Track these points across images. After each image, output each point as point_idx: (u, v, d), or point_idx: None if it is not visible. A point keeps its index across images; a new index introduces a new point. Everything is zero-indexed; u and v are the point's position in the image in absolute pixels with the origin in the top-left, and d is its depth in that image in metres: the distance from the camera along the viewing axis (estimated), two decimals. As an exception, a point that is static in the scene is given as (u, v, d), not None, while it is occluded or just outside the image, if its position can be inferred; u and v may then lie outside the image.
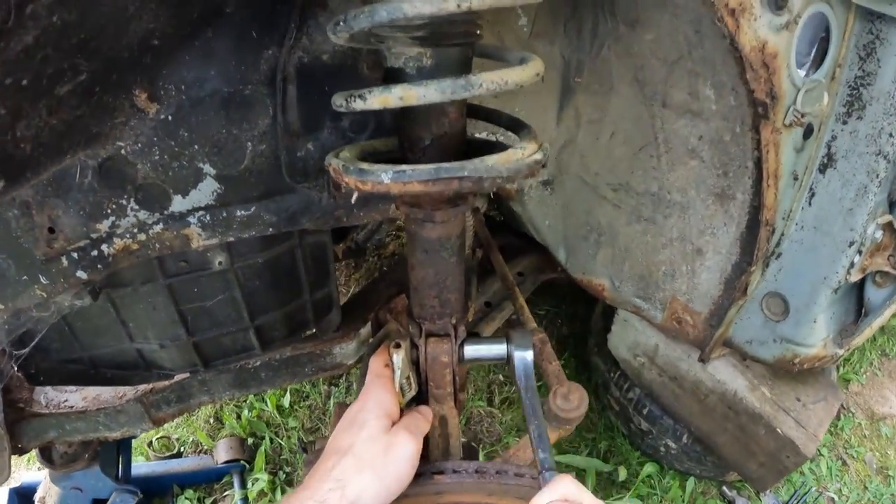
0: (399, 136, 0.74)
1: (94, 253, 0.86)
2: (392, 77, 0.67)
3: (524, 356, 0.85)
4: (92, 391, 1.12)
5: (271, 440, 1.69)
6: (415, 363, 0.86)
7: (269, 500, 1.50)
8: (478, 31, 0.67)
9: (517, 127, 0.74)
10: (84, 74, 0.68)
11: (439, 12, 0.54)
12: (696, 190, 1.04)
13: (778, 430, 1.23)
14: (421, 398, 0.89)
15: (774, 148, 0.91)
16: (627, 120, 1.01)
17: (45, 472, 1.34)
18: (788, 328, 1.12)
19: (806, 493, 1.74)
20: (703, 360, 1.21)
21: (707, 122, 0.95)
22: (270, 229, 0.91)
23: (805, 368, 1.18)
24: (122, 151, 0.79)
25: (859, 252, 1.04)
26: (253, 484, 1.54)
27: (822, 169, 1.01)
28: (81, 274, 0.87)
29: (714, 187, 1.02)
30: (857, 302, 1.19)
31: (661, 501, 1.68)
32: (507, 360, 0.87)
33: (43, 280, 0.86)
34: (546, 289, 1.63)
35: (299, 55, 0.79)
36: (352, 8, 0.59)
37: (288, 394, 1.79)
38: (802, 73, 0.89)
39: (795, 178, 0.99)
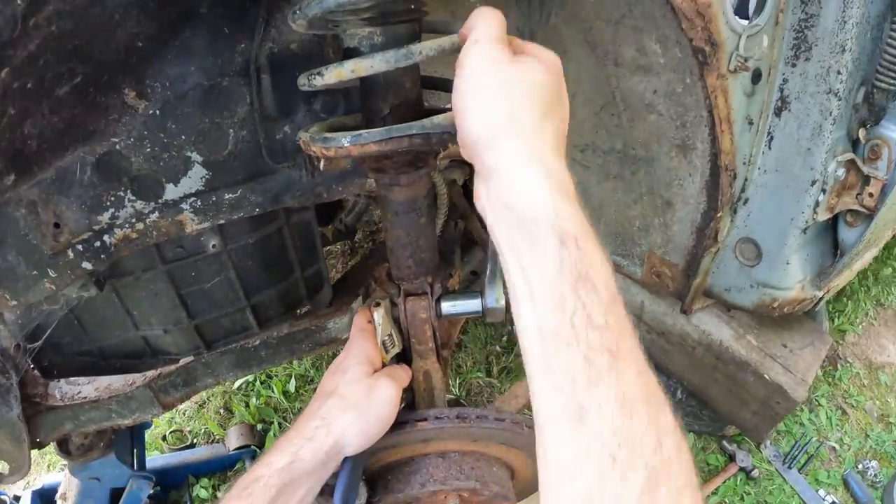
0: (362, 111, 0.87)
1: (97, 244, 0.99)
2: (349, 56, 0.79)
3: (497, 308, 0.96)
4: (103, 381, 1.25)
5: (280, 425, 1.82)
6: (396, 321, 0.98)
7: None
8: (423, 8, 0.79)
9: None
10: (79, 77, 0.81)
11: (379, -8, 0.67)
12: (658, 143, 1.15)
13: (766, 376, 1.33)
14: (406, 356, 1.01)
15: (723, 94, 1.01)
16: (585, 82, 1.13)
17: (65, 471, 1.48)
18: (763, 272, 1.22)
19: (807, 444, 1.83)
20: (685, 311, 1.31)
21: (658, 75, 1.06)
22: (257, 209, 1.03)
23: (786, 312, 1.28)
24: (117, 146, 0.92)
25: (823, 191, 1.14)
26: (264, 468, 1.67)
27: (778, 112, 1.12)
28: (86, 265, 1.00)
29: (675, 139, 1.13)
30: (832, 244, 1.29)
31: (662, 459, 1.75)
32: (483, 313, 0.98)
33: (52, 273, 0.99)
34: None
35: (270, 46, 0.92)
36: (306, -3, 0.72)
37: (293, 379, 1.93)
38: (745, 21, 1.00)
39: (750, 123, 1.10)
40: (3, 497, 1.61)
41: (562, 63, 1.12)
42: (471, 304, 0.98)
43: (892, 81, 1.07)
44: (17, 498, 1.60)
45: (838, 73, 1.04)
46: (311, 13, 0.70)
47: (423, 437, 0.92)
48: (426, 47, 0.69)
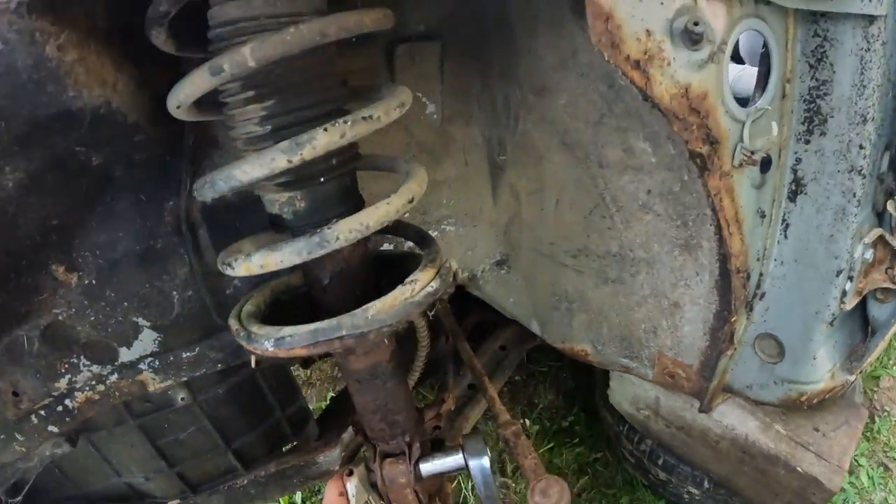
0: (304, 275, 0.66)
1: (60, 408, 0.83)
2: (273, 223, 0.59)
3: (480, 463, 0.74)
4: (92, 526, 1.07)
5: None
6: (374, 486, 0.76)
7: None
8: (353, 160, 0.58)
9: (423, 242, 0.64)
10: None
11: (272, 172, 0.46)
12: (658, 244, 0.91)
13: (798, 468, 1.05)
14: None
15: (728, 193, 0.77)
16: (568, 184, 0.90)
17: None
18: (787, 369, 0.95)
19: None
20: (703, 411, 1.05)
21: (650, 175, 0.82)
22: (219, 365, 0.84)
23: (816, 403, 1.01)
24: (60, 318, 0.75)
25: (850, 279, 0.87)
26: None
27: (792, 196, 0.86)
28: (53, 428, 0.85)
29: (676, 238, 0.89)
30: (861, 320, 1.01)
31: (693, 547, 1.47)
32: (464, 469, 0.76)
33: (19, 437, 0.84)
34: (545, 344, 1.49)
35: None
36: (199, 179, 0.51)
37: (299, 492, 1.67)
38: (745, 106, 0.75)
39: (763, 216, 0.85)
40: None
41: (540, 169, 0.89)
42: (451, 462, 0.76)
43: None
44: None
45: (860, 146, 0.78)
46: (205, 197, 0.50)
47: None
48: (345, 230, 0.48)
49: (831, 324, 0.91)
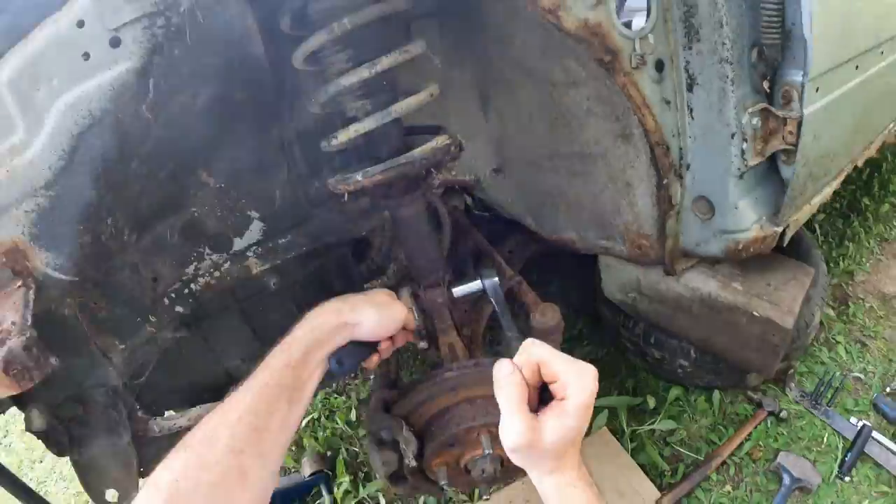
0: (370, 158, 1.38)
1: (186, 291, 1.45)
2: (350, 122, 1.32)
3: (492, 281, 1.44)
4: (194, 411, 1.51)
5: (347, 450, 2.24)
6: (423, 310, 1.46)
7: (354, 497, 2.09)
8: (394, 81, 1.32)
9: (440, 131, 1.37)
10: (172, 165, 1.34)
11: (360, 80, 1.21)
12: (605, 139, 1.62)
13: (755, 313, 1.71)
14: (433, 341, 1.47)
15: (633, 85, 1.44)
16: (535, 104, 1.62)
17: None
18: (719, 221, 1.63)
19: (830, 379, 2.09)
20: (669, 273, 1.74)
21: (585, 85, 1.54)
22: (304, 248, 1.54)
23: (753, 252, 1.70)
24: (196, 214, 1.42)
25: (744, 139, 1.57)
26: (338, 487, 2.13)
27: (690, 88, 1.53)
28: (179, 308, 1.42)
29: (616, 132, 1.60)
30: (780, 182, 1.71)
31: (692, 418, 2.10)
32: (483, 290, 1.46)
33: (152, 319, 1.39)
34: (552, 268, 2.23)
35: (296, 125, 1.46)
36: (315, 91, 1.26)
37: (353, 410, 2.37)
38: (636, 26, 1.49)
39: (668, 103, 1.54)
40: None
41: (513, 96, 1.66)
42: (473, 285, 1.46)
43: (775, 37, 1.53)
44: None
45: (723, 43, 1.43)
46: (322, 99, 1.25)
47: (451, 386, 1.34)
48: (399, 107, 1.22)
49: (741, 177, 1.60)
